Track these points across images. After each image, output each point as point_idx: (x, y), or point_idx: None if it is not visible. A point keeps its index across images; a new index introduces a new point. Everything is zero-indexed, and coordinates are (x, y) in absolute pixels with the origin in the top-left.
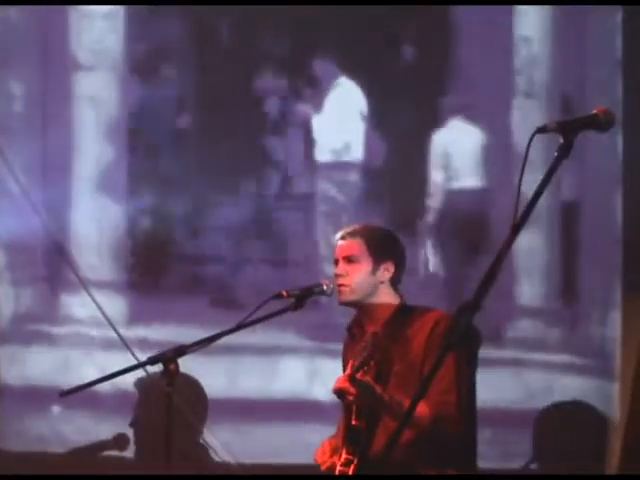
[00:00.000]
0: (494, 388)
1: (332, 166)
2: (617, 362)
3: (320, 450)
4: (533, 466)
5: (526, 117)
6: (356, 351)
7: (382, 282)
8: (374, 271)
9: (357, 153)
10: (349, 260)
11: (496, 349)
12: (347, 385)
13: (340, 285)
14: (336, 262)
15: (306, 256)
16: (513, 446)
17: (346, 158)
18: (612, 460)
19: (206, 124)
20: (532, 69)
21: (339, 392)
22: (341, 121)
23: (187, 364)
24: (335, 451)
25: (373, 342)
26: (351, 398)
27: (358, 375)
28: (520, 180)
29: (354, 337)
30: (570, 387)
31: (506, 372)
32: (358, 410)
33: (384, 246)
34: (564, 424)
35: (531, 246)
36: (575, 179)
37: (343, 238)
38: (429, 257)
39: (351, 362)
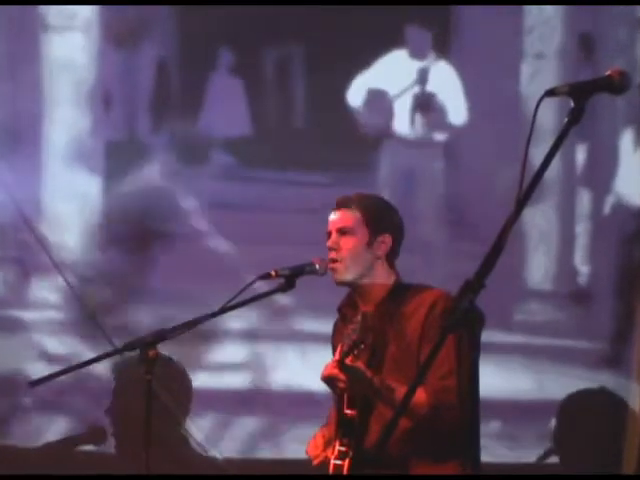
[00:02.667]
0: (503, 376)
1: None
2: (633, 348)
3: (312, 443)
4: (552, 458)
5: (536, 79)
6: (345, 334)
7: (378, 258)
8: (370, 244)
9: None
10: (343, 232)
11: (504, 333)
12: (336, 372)
13: (333, 260)
14: (329, 234)
15: (304, 234)
16: (523, 439)
17: None
18: (630, 451)
19: (187, 91)
20: (544, 29)
21: (328, 380)
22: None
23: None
24: (328, 443)
25: (363, 324)
26: (341, 385)
27: (348, 360)
28: (526, 148)
29: (345, 318)
30: (582, 374)
31: (515, 359)
32: (351, 398)
33: (381, 217)
34: (582, 414)
35: (541, 225)
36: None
37: (336, 208)
38: None
39: (340, 346)
